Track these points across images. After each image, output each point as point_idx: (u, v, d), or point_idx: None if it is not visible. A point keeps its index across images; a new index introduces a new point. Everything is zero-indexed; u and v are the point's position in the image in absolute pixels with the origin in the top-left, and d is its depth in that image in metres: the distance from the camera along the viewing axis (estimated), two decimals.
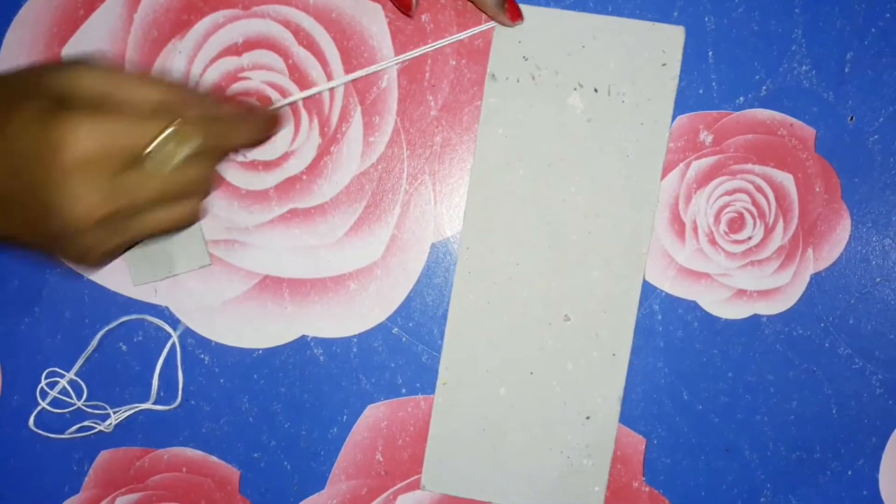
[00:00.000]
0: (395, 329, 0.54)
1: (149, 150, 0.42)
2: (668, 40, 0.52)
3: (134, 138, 0.41)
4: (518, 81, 0.52)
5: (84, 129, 0.40)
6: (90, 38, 0.54)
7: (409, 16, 0.52)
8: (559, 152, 0.52)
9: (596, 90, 0.52)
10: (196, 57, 0.53)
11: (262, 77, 0.53)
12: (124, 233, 0.45)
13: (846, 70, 0.52)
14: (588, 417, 0.53)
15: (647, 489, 0.54)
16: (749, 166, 0.53)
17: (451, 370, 0.53)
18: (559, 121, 0.52)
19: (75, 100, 0.41)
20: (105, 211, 0.42)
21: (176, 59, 0.53)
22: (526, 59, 0.52)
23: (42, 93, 0.42)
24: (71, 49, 0.53)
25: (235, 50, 0.53)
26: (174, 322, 0.54)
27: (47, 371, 0.54)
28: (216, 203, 0.54)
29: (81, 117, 0.40)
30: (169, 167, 0.43)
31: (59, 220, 0.42)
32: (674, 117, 0.53)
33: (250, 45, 0.53)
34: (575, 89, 0.52)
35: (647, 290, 0.53)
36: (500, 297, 0.53)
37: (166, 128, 0.42)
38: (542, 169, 0.52)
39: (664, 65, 0.52)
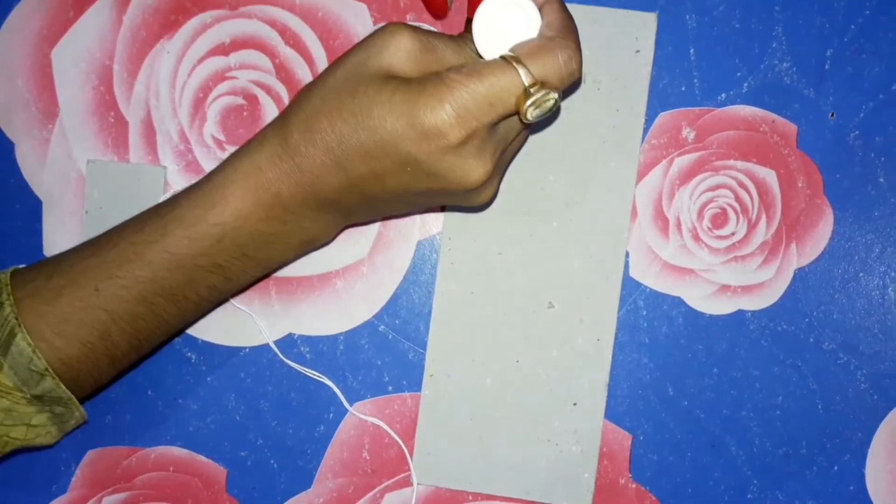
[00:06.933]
0: (382, 326, 0.54)
1: (525, 112, 0.41)
2: (641, 27, 0.52)
3: (502, 100, 0.41)
4: None
5: (450, 111, 0.40)
6: (80, 40, 0.54)
7: (440, 18, 0.53)
8: (537, 141, 0.53)
9: None
10: (184, 57, 0.54)
11: (249, 76, 0.54)
12: (504, 165, 0.46)
13: (826, 67, 0.53)
14: (575, 404, 0.53)
15: (634, 485, 0.54)
16: (732, 162, 0.53)
17: (437, 362, 0.53)
18: None
19: (400, 73, 0.42)
20: (493, 164, 0.43)
21: (164, 59, 0.54)
22: None
23: (372, 77, 0.42)
24: (60, 51, 0.54)
25: (223, 50, 0.54)
26: None
27: None
28: None
29: (436, 99, 0.40)
30: (546, 113, 0.42)
31: (457, 195, 0.44)
32: (656, 113, 0.53)
33: (237, 44, 0.54)
34: None
35: (632, 286, 0.53)
36: (484, 287, 0.53)
37: (529, 88, 0.41)
38: (521, 158, 0.53)
39: (638, 52, 0.52)
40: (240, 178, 0.44)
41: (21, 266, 0.48)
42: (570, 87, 0.45)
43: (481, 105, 0.40)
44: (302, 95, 0.44)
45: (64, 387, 0.46)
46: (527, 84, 0.40)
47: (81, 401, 0.48)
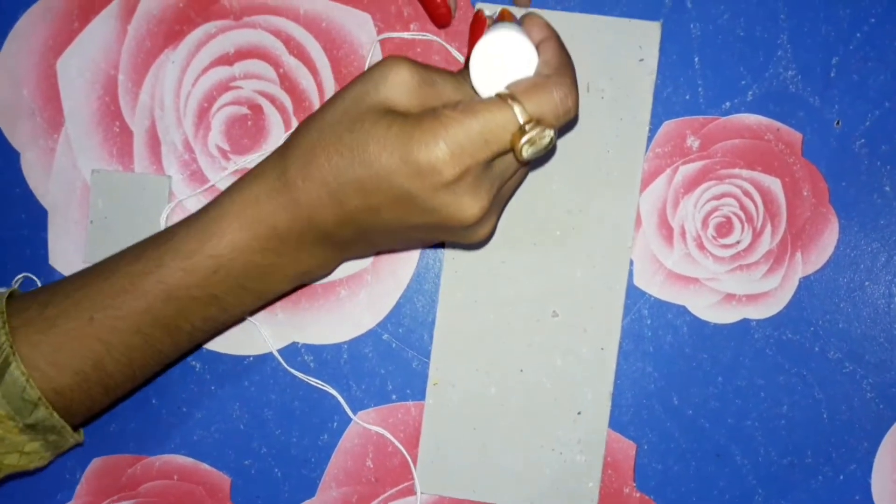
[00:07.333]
0: (386, 335, 0.54)
1: (520, 150, 0.41)
2: (645, 36, 0.52)
3: (496, 137, 0.40)
4: None
5: (444, 147, 0.40)
6: (85, 50, 0.54)
7: (443, 27, 0.53)
8: None
9: None
10: (189, 67, 0.54)
11: (253, 86, 0.54)
12: (502, 202, 0.46)
13: (832, 75, 0.53)
14: (579, 413, 0.53)
15: (638, 495, 0.54)
16: (736, 171, 0.53)
17: (441, 370, 0.53)
18: None
19: (398, 107, 0.42)
20: (488, 201, 0.42)
21: (169, 69, 0.54)
22: None
23: (370, 110, 0.42)
24: (66, 61, 0.54)
25: (227, 60, 0.54)
26: None
27: None
28: None
29: (431, 135, 0.40)
30: (542, 151, 0.42)
31: (453, 231, 0.43)
32: (660, 122, 0.53)
33: (242, 54, 0.54)
34: None
35: (636, 294, 0.53)
36: (488, 296, 0.53)
37: (524, 126, 0.40)
38: None
39: (641, 60, 0.52)
40: (237, 210, 0.44)
41: (19, 280, 0.48)
42: (566, 124, 0.45)
43: (475, 142, 0.40)
44: (301, 128, 0.44)
45: (58, 416, 0.46)
46: (522, 121, 0.40)
47: (76, 427, 0.48)
